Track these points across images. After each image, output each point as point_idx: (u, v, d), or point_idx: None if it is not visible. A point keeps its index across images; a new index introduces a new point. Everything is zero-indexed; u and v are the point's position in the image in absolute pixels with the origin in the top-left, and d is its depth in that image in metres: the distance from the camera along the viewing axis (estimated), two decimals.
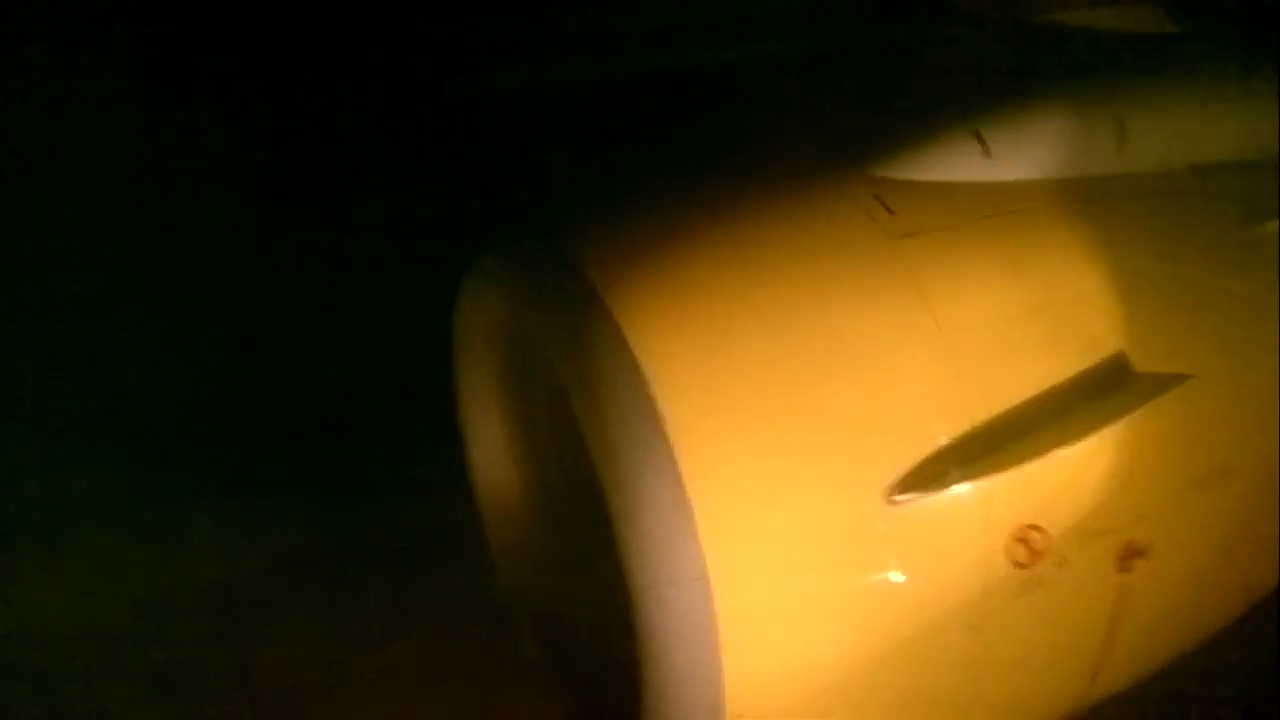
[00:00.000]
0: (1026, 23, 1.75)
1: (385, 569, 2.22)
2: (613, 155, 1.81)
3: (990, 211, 1.37)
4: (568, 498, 1.59)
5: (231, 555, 2.28)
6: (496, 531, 1.68)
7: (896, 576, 1.23)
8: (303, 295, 2.29)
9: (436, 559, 2.13)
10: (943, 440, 1.23)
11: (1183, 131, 1.49)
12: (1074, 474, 1.29)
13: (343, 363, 2.31)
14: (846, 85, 1.72)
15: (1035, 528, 1.26)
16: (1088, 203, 1.41)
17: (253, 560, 2.26)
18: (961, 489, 1.23)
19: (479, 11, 2.15)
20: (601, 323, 1.23)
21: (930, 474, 1.22)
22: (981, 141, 1.40)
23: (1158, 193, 1.46)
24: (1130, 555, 1.33)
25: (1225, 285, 1.45)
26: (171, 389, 2.35)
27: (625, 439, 1.19)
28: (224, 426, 2.32)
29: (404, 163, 2.18)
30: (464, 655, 2.02)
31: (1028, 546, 1.25)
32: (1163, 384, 1.31)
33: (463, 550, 1.76)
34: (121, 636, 2.12)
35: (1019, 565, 1.25)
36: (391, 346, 2.16)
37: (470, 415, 1.63)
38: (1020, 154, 1.41)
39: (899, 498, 1.21)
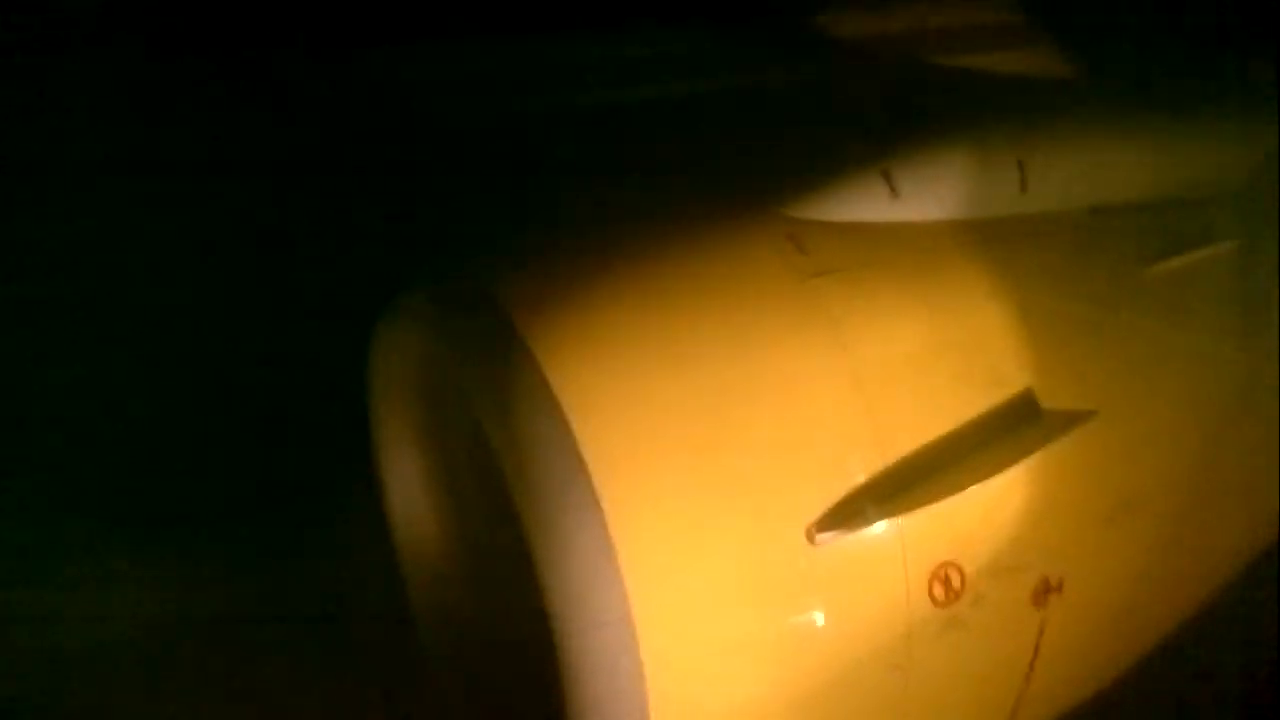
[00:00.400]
0: (930, 65, 1.79)
1: (301, 629, 2.14)
2: (529, 193, 1.81)
3: (899, 251, 1.40)
4: (489, 542, 1.56)
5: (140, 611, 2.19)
6: (416, 578, 1.65)
7: (820, 616, 1.23)
8: (223, 341, 2.22)
9: (355, 618, 2.07)
10: (860, 478, 1.25)
11: (1082, 173, 1.54)
12: (987, 511, 1.31)
13: (262, 410, 2.24)
14: (758, 126, 1.75)
15: (953, 565, 1.27)
16: (992, 242, 1.44)
17: (163, 618, 2.17)
18: (880, 527, 1.24)
19: (401, 50, 2.13)
20: (522, 362, 1.22)
21: (849, 512, 1.23)
22: (890, 182, 1.43)
23: (1059, 233, 1.50)
24: (1045, 591, 1.35)
25: (1126, 323, 1.50)
26: (83, 430, 2.25)
27: (547, 481, 1.18)
28: (137, 472, 2.23)
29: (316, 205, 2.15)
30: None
31: (946, 585, 1.27)
32: (1069, 420, 1.35)
33: (383, 609, 1.72)
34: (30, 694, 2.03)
35: (938, 604, 1.27)
36: (312, 388, 2.10)
37: (388, 460, 1.60)
38: (926, 195, 1.44)
39: (820, 536, 1.21)
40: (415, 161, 2.06)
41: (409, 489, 1.63)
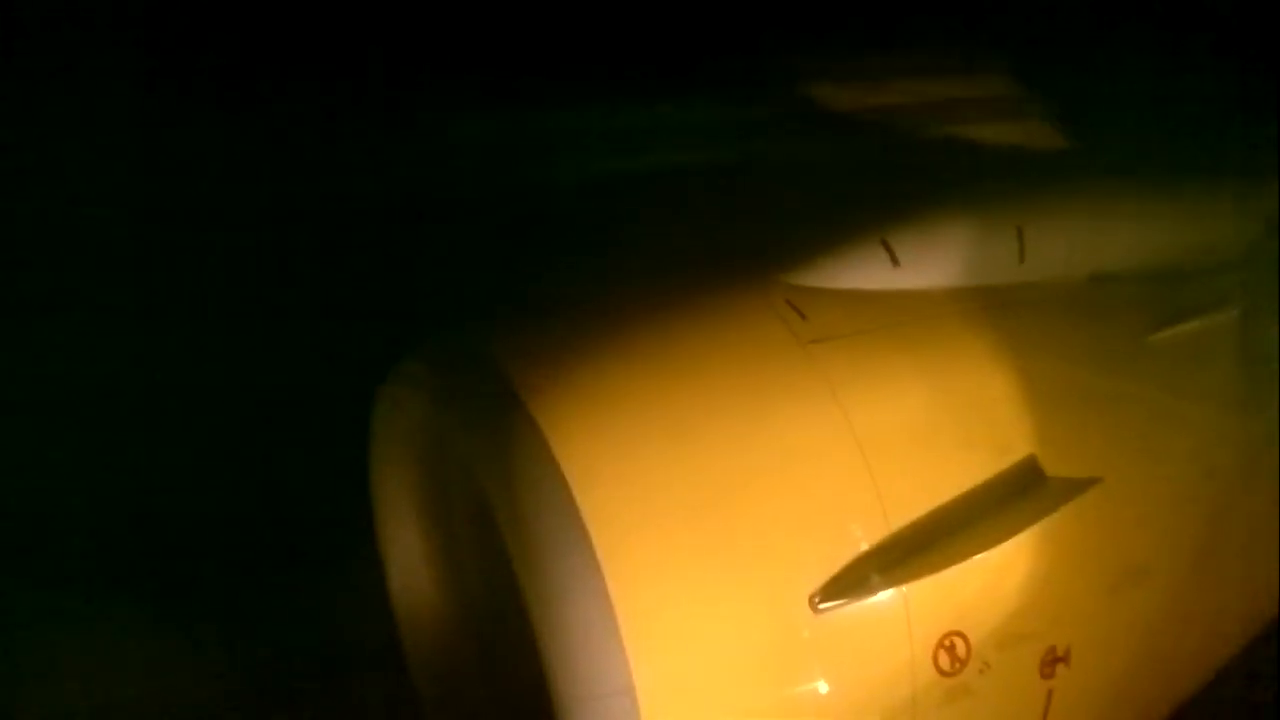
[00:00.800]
0: (928, 136, 1.81)
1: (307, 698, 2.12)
2: (533, 261, 1.82)
3: (899, 318, 1.40)
4: (490, 609, 1.55)
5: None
6: (415, 644, 1.63)
7: (824, 685, 1.22)
8: (224, 406, 2.22)
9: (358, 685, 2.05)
10: (863, 546, 1.24)
11: (1081, 242, 1.55)
12: (993, 579, 1.30)
13: (263, 481, 2.23)
14: (759, 195, 1.76)
15: (958, 634, 1.26)
16: (992, 310, 1.44)
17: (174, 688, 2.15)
18: (884, 595, 1.23)
19: (405, 115, 2.15)
20: (526, 431, 1.22)
21: (853, 580, 1.22)
22: (889, 250, 1.44)
23: (1059, 301, 1.51)
24: (1053, 661, 1.34)
25: (1128, 391, 1.50)
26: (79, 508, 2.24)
27: (550, 550, 1.17)
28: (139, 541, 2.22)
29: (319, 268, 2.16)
30: None
31: (951, 653, 1.26)
32: (1074, 488, 1.34)
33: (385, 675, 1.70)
34: None
35: (944, 673, 1.25)
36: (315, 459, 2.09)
37: (388, 525, 1.59)
38: (926, 263, 1.45)
39: (823, 605, 1.21)
40: (421, 229, 2.08)
41: (409, 553, 1.61)
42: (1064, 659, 1.35)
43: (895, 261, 1.44)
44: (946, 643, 1.26)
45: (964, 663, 1.27)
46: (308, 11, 2.16)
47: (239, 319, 2.16)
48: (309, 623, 2.14)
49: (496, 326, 1.41)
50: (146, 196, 2.15)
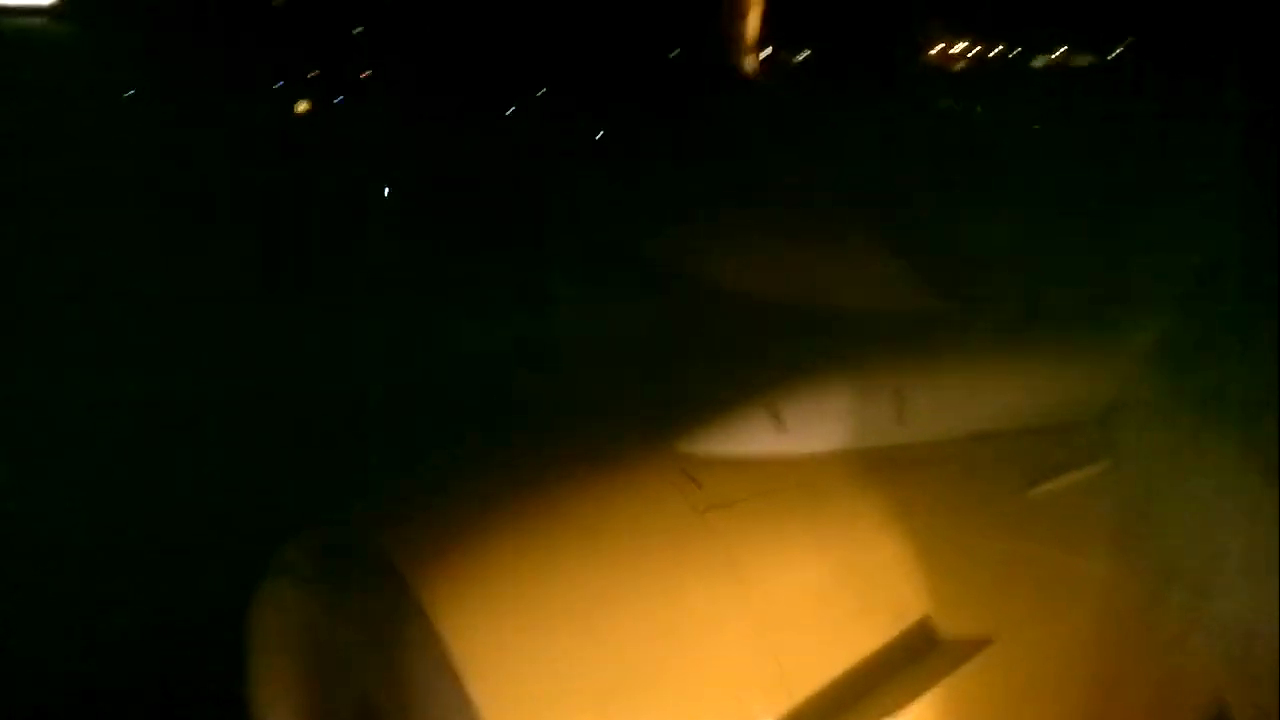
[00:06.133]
0: (804, 300, 1.85)
1: None
2: (418, 439, 1.79)
3: (789, 483, 1.41)
4: None
5: None
6: None
7: None
8: None
9: None
10: None
11: (957, 400, 1.59)
12: None
13: None
14: (640, 365, 1.77)
15: None
16: (877, 472, 1.47)
17: None
18: None
19: None
20: (411, 616, 1.18)
21: None
22: (776, 417, 1.46)
23: (942, 460, 1.54)
24: None
25: (1012, 547, 1.53)
26: None
27: None
28: None
29: None
30: None
31: None
32: (967, 649, 1.35)
33: None
34: None
35: None
36: None
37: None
38: (811, 428, 1.47)
39: None
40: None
41: None
42: None
43: (782, 427, 1.45)
44: None
45: None
46: None
47: None
48: None
49: (380, 510, 1.37)
50: None
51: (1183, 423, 1.68)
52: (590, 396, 1.66)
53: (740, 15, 2.91)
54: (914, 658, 1.33)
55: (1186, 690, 1.70)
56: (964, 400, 1.60)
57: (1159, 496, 1.65)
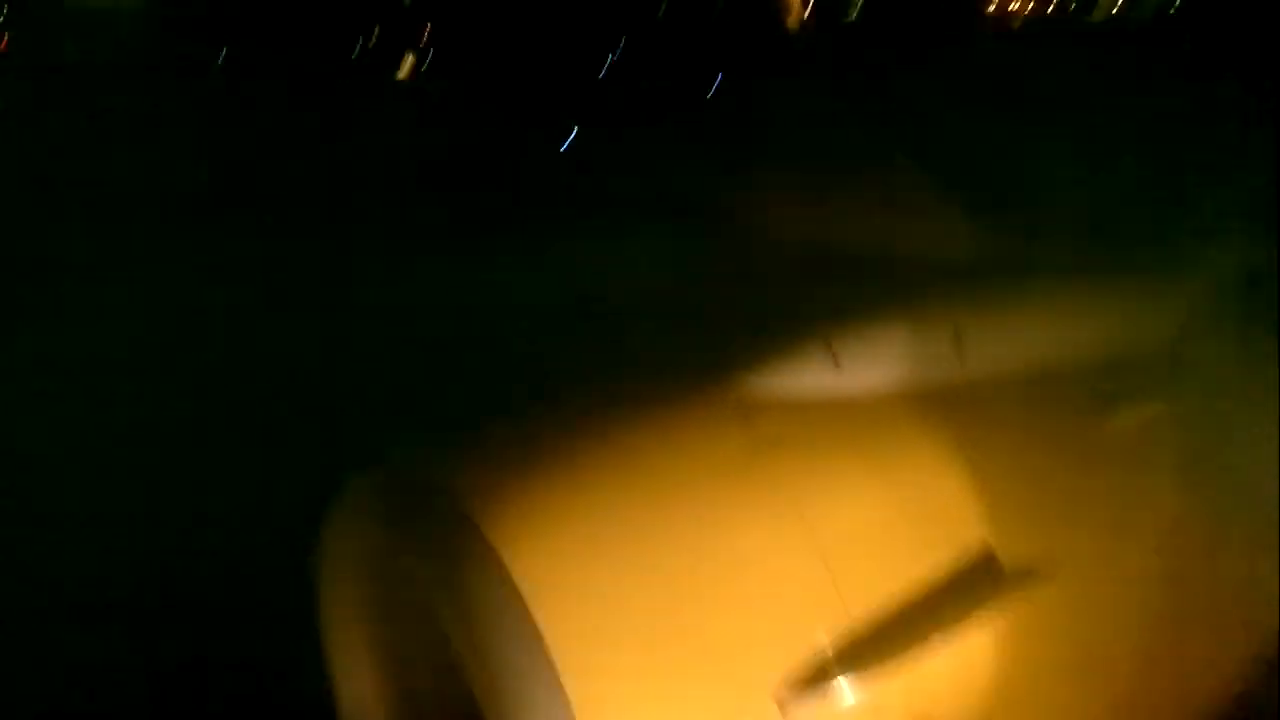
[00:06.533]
0: (863, 250, 1.86)
1: None
2: (476, 381, 1.82)
3: (846, 421, 1.42)
4: None
5: None
6: None
7: None
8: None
9: None
10: (827, 645, 1.24)
11: (1017, 338, 1.59)
12: (955, 671, 1.30)
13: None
14: (698, 308, 1.79)
15: None
16: (934, 409, 1.47)
17: None
18: (851, 694, 1.22)
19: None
20: (484, 559, 1.20)
21: (819, 679, 1.21)
22: (833, 355, 1.46)
23: (1000, 397, 1.53)
24: None
25: (1076, 482, 1.52)
26: None
27: (512, 678, 1.16)
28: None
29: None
30: None
31: None
32: (1031, 578, 1.35)
33: None
34: None
35: None
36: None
37: (338, 653, 1.54)
38: (867, 366, 1.48)
39: (792, 706, 1.19)
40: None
41: (359, 678, 1.56)
42: None
43: (839, 366, 1.46)
44: None
45: None
46: None
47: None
48: None
49: (444, 445, 1.40)
50: None
51: (1255, 353, 1.66)
52: (649, 341, 1.68)
53: None
54: (976, 587, 1.34)
55: (1253, 628, 1.68)
56: (1025, 335, 1.59)
57: (1228, 430, 1.64)
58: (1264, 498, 1.59)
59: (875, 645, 1.24)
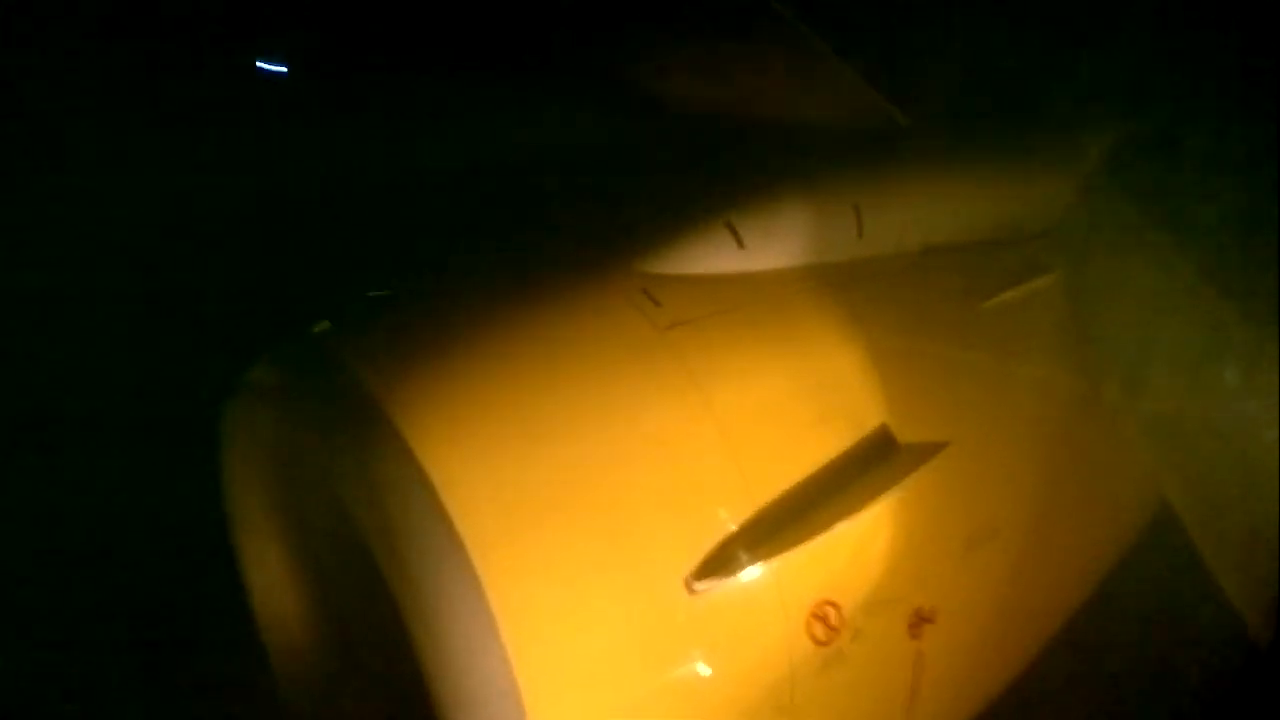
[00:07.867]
0: (764, 120, 1.84)
1: None
2: (381, 258, 1.77)
3: (749, 299, 1.43)
4: (361, 623, 1.51)
5: None
6: (284, 664, 1.57)
7: (705, 666, 1.24)
8: None
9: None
10: (732, 526, 1.26)
11: (914, 216, 1.60)
12: (857, 547, 1.34)
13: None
14: (597, 182, 1.76)
15: (830, 603, 1.30)
16: (836, 287, 1.49)
17: None
18: (756, 571, 1.25)
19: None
20: (388, 439, 1.19)
21: (724, 559, 1.24)
22: (735, 234, 1.46)
23: (898, 274, 1.56)
24: (919, 622, 1.39)
25: (967, 357, 1.56)
26: None
27: (422, 559, 1.15)
28: None
29: None
30: None
31: (825, 623, 1.29)
32: (925, 453, 1.39)
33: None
34: None
35: (819, 642, 1.29)
36: None
37: (245, 538, 1.53)
38: (770, 245, 1.48)
39: (698, 586, 1.22)
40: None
41: (271, 571, 1.55)
42: (930, 619, 1.40)
43: (741, 244, 1.46)
44: (819, 612, 1.29)
45: (836, 631, 1.30)
46: None
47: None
48: None
49: (347, 329, 1.37)
50: None
51: (1127, 225, 1.71)
52: (550, 216, 1.65)
53: None
54: (874, 462, 1.37)
55: (1132, 488, 1.78)
56: (919, 215, 1.60)
57: (1106, 305, 1.70)
58: (1140, 370, 1.66)
59: (779, 528, 1.27)
